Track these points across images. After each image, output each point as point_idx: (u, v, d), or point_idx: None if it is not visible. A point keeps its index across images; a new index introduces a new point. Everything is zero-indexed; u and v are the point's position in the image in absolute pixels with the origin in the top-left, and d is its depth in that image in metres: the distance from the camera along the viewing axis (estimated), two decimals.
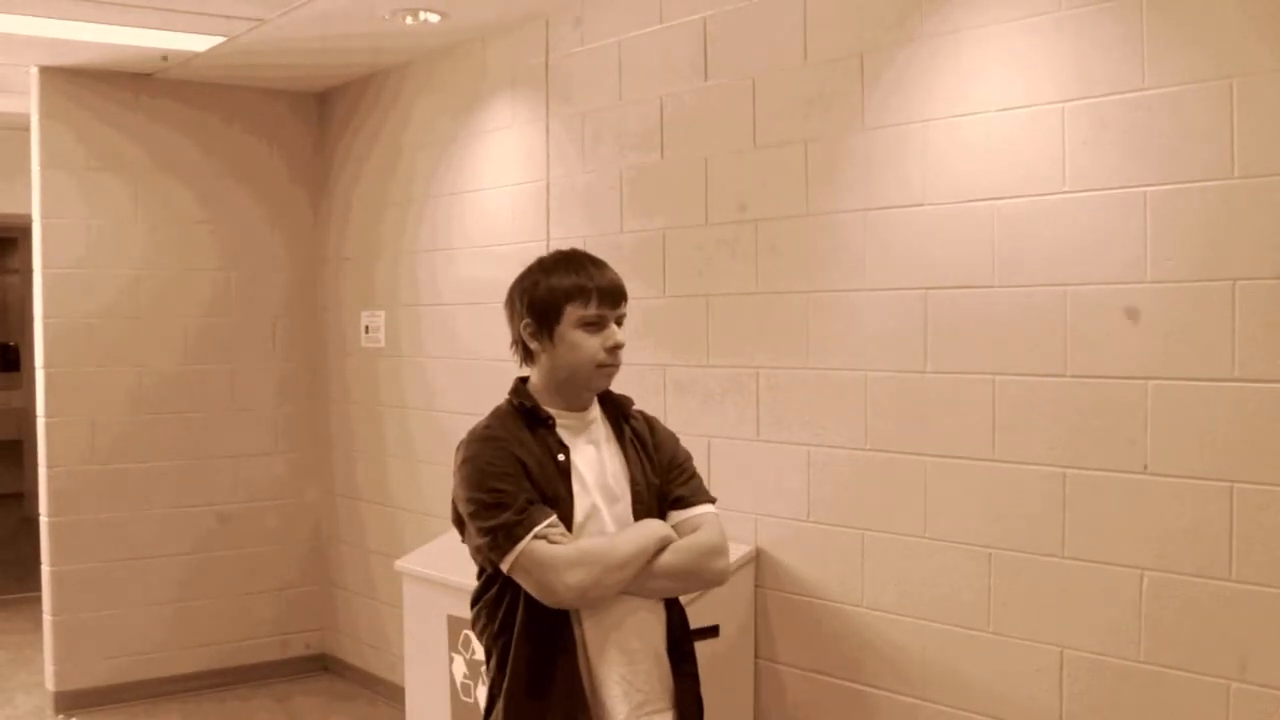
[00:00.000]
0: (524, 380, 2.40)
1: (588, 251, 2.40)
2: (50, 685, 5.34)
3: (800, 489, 3.47)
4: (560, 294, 2.30)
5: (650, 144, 3.95)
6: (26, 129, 5.41)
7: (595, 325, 2.30)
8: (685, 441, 2.54)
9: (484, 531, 2.21)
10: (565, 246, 2.51)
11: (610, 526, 2.31)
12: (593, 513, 2.31)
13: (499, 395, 2.42)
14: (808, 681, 3.48)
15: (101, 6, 4.23)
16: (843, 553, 3.36)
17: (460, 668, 3.84)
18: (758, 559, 3.59)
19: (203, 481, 5.60)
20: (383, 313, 5.43)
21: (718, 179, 3.71)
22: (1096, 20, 2.75)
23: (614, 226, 4.09)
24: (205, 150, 5.60)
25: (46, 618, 5.34)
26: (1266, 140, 2.48)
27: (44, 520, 5.33)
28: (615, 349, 2.32)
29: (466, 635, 3.79)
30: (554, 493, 2.26)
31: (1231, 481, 2.55)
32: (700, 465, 2.54)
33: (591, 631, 2.28)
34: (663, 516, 2.37)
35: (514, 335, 2.39)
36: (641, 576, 2.27)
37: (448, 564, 3.98)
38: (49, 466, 5.31)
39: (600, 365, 2.31)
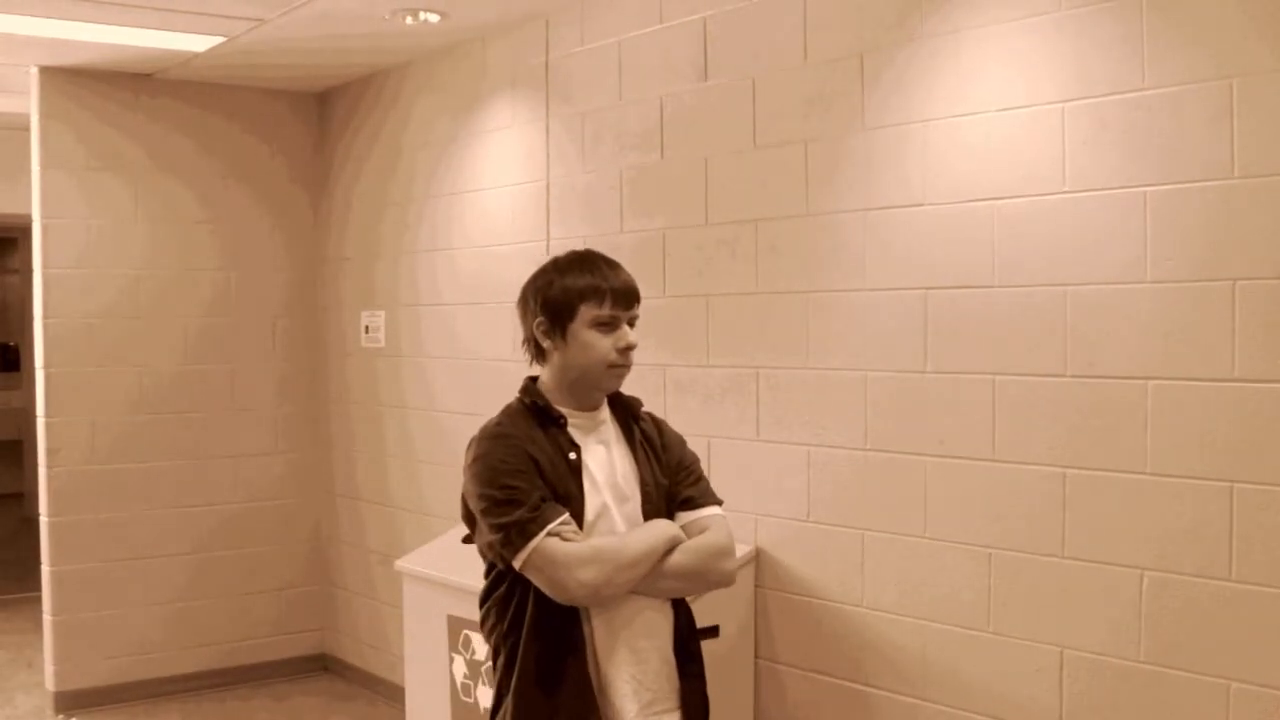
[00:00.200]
0: (534, 379, 2.41)
1: (601, 252, 2.40)
2: (50, 685, 5.34)
3: (800, 489, 3.47)
4: (575, 294, 2.31)
5: (650, 144, 3.95)
6: (26, 129, 5.41)
7: (608, 326, 2.32)
8: (685, 441, 2.54)
9: (496, 528, 2.22)
10: (567, 247, 2.51)
11: (620, 526, 2.33)
12: (603, 512, 2.32)
13: (499, 395, 2.43)
14: (808, 681, 3.48)
15: (101, 6, 4.23)
16: (843, 553, 3.36)
17: (460, 668, 3.84)
18: (758, 559, 3.59)
19: (203, 481, 5.60)
20: (383, 313, 5.43)
21: (718, 179, 3.71)
22: (1096, 20, 2.75)
23: (614, 226, 4.09)
24: (205, 150, 5.60)
25: (46, 618, 5.34)
26: (1266, 140, 2.48)
27: (44, 520, 5.33)
28: (627, 350, 2.34)
29: (466, 635, 3.79)
30: (565, 491, 2.27)
31: (1231, 481, 2.55)
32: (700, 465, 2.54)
33: (600, 630, 2.29)
34: (670, 517, 2.38)
35: (526, 333, 2.40)
36: (651, 576, 2.28)
37: (448, 564, 3.99)
38: (49, 466, 5.31)
39: (611, 366, 2.33)
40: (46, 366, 5.30)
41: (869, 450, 3.29)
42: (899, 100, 3.18)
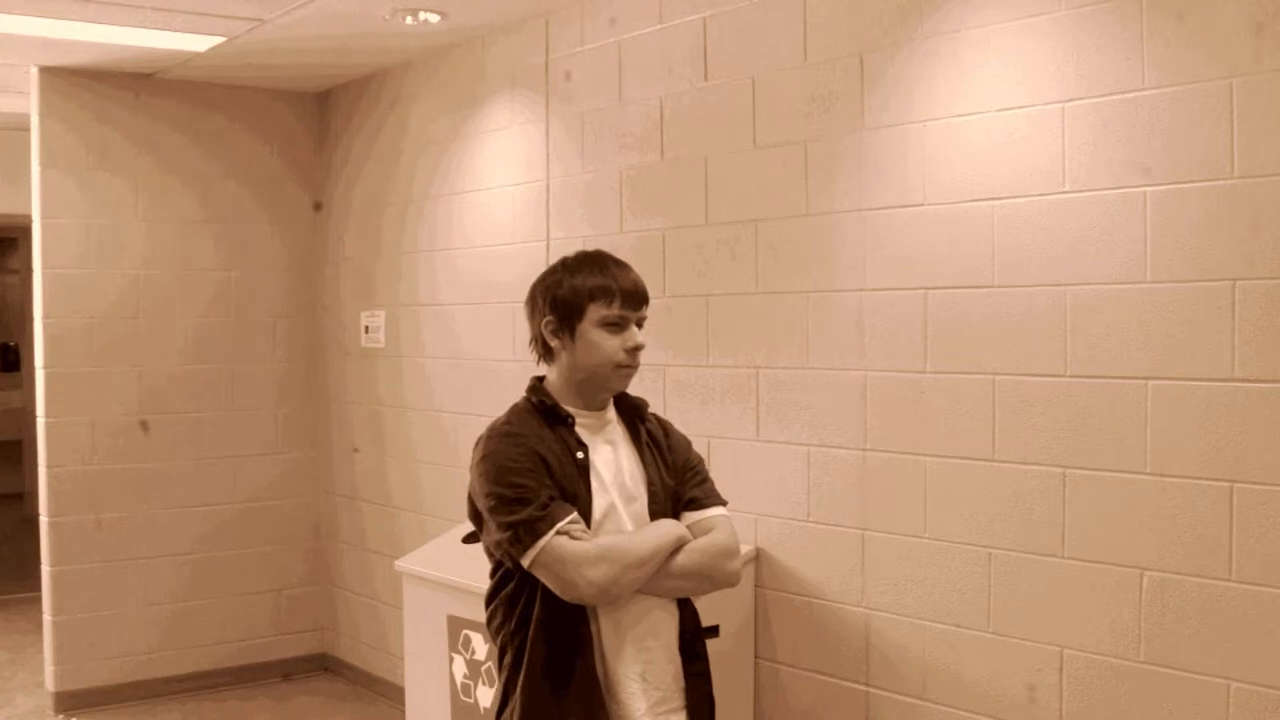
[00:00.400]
0: (541, 379, 2.41)
1: (610, 253, 2.41)
2: (50, 685, 5.34)
3: (800, 489, 3.47)
4: (584, 293, 2.32)
5: (650, 144, 3.95)
6: (26, 129, 5.41)
7: (616, 326, 2.33)
8: (691, 443, 2.55)
9: (505, 526, 2.22)
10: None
11: (627, 525, 2.33)
12: (610, 511, 2.33)
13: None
14: (808, 681, 3.48)
15: (101, 6, 4.23)
16: (843, 553, 3.36)
17: (460, 668, 3.84)
18: (758, 559, 3.59)
19: (203, 481, 5.60)
20: (383, 313, 5.43)
21: (718, 179, 3.71)
22: (1096, 20, 2.75)
23: (614, 226, 4.09)
24: (205, 150, 5.60)
25: (46, 618, 5.34)
26: (1266, 140, 2.48)
27: (44, 520, 5.33)
28: (635, 350, 2.35)
29: (466, 635, 3.80)
30: (573, 490, 2.28)
31: (1231, 481, 2.55)
32: None
33: (608, 629, 2.30)
34: (676, 517, 2.39)
35: (533, 332, 2.41)
36: (657, 576, 2.29)
37: (448, 564, 3.99)
38: (49, 466, 5.31)
39: (620, 366, 2.34)
40: (46, 366, 5.30)
41: (869, 450, 3.29)
42: (899, 100, 3.18)
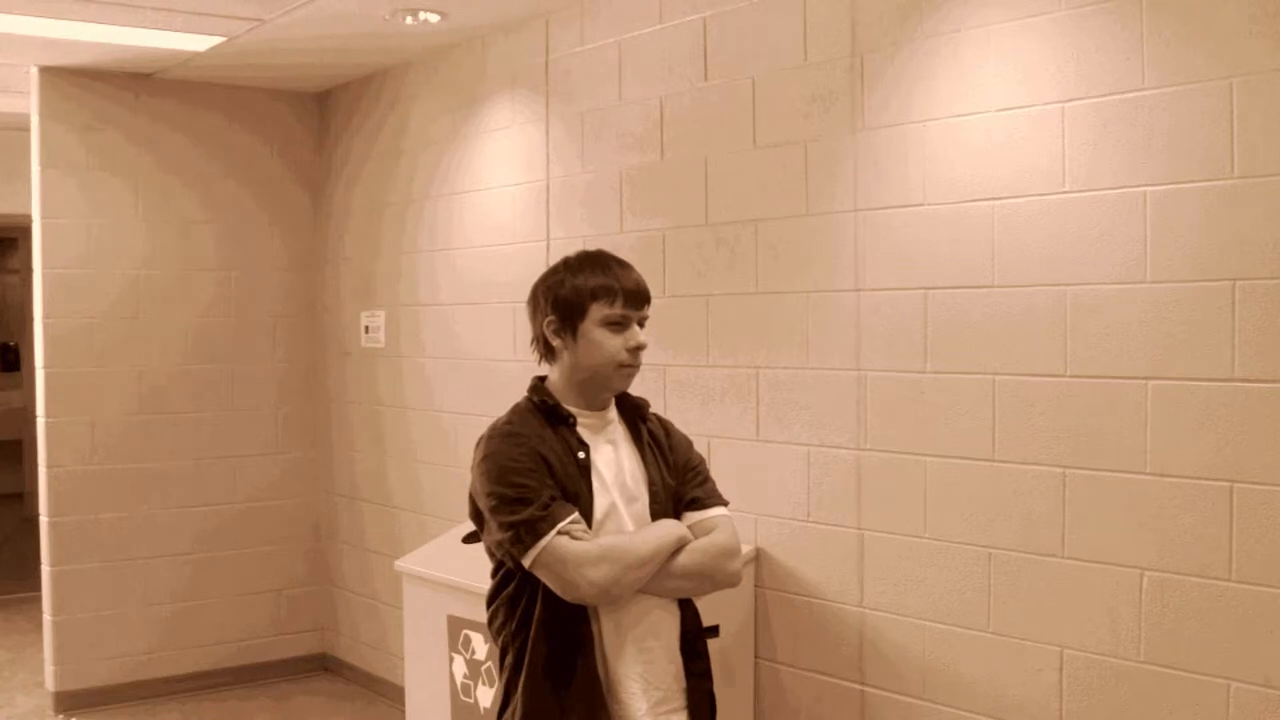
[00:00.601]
0: (542, 379, 2.41)
1: (612, 253, 2.41)
2: (50, 685, 5.34)
3: (800, 489, 3.47)
4: (586, 293, 2.32)
5: (650, 144, 3.95)
6: (26, 129, 5.41)
7: (619, 325, 2.33)
8: (692, 443, 2.55)
9: (506, 526, 2.22)
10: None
11: (629, 525, 2.34)
12: (611, 511, 2.33)
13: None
14: (808, 681, 3.48)
15: (101, 6, 4.23)
16: (842, 553, 3.36)
17: (460, 668, 3.84)
18: (758, 559, 3.60)
19: (203, 481, 5.60)
20: (383, 313, 5.43)
21: (718, 179, 3.71)
22: (1096, 20, 2.75)
23: (614, 226, 4.09)
24: (205, 150, 5.60)
25: (46, 618, 5.34)
26: (1266, 140, 2.48)
27: (44, 520, 5.33)
28: (637, 350, 2.35)
29: (466, 635, 3.80)
30: (574, 490, 2.28)
31: (1231, 481, 2.55)
32: None
33: (609, 629, 2.30)
34: (677, 517, 2.39)
35: (535, 332, 2.41)
36: (658, 576, 2.29)
37: (448, 564, 3.99)
38: (49, 466, 5.31)
39: (621, 365, 2.34)
40: (46, 366, 5.30)
41: (869, 450, 3.29)
42: (899, 100, 3.18)
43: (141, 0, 4.17)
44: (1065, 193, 2.82)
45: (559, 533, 2.20)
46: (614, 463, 2.37)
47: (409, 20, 4.44)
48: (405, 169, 5.25)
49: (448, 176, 4.98)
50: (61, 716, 5.26)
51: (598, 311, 2.32)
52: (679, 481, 2.43)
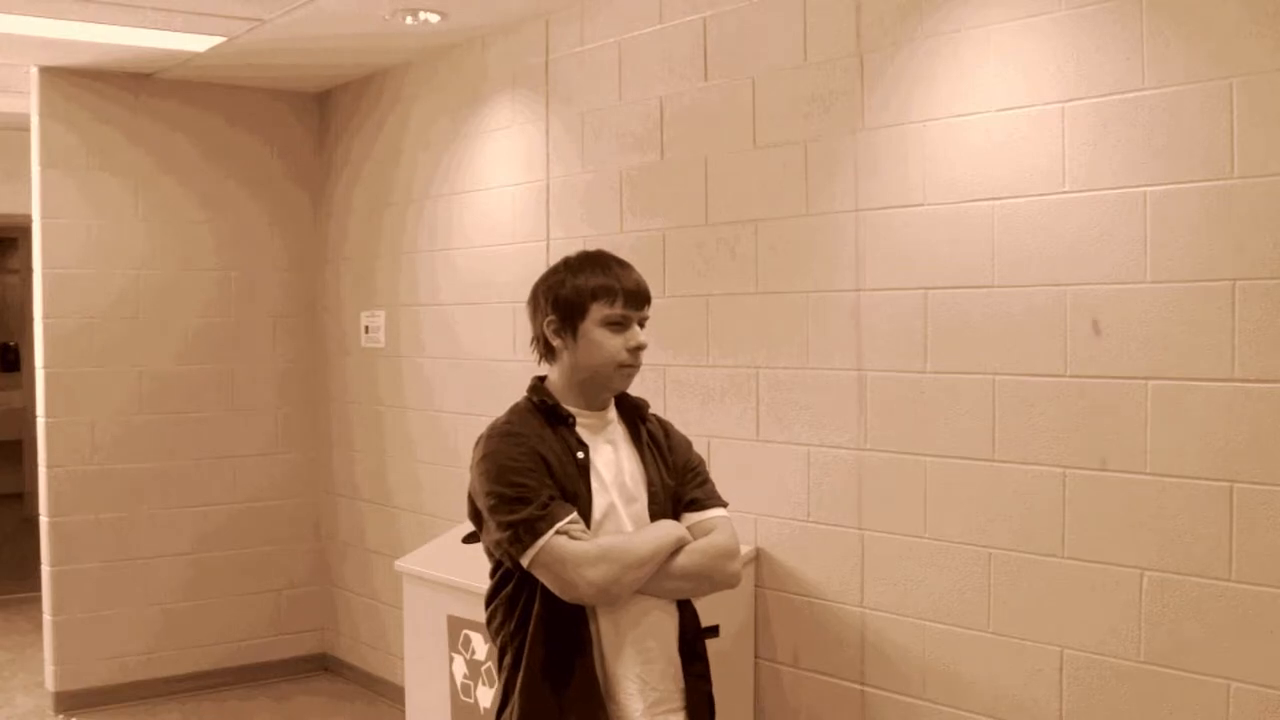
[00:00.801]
0: (542, 379, 2.41)
1: (612, 253, 2.41)
2: (50, 685, 5.34)
3: (800, 489, 3.47)
4: (586, 293, 2.32)
5: (650, 144, 3.95)
6: (26, 129, 5.41)
7: (619, 325, 2.33)
8: (691, 444, 2.55)
9: (504, 526, 2.22)
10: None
11: (627, 526, 2.33)
12: (610, 511, 2.32)
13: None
14: (808, 681, 3.48)
15: (101, 6, 4.23)
16: (843, 553, 3.36)
17: (460, 668, 3.84)
18: (758, 559, 3.59)
19: (203, 481, 5.60)
20: (383, 313, 5.43)
21: (718, 179, 3.71)
22: (1096, 20, 2.75)
23: (614, 226, 4.09)
24: (205, 150, 5.60)
25: (46, 618, 5.34)
26: (1266, 140, 2.48)
27: (44, 520, 5.33)
28: (637, 350, 2.35)
29: (466, 635, 3.80)
30: (573, 490, 2.28)
31: (1231, 481, 2.55)
32: None
33: (607, 630, 2.30)
34: (676, 518, 2.39)
35: (535, 332, 2.41)
36: (657, 577, 2.29)
37: (448, 564, 3.99)
38: (49, 466, 5.31)
39: (621, 365, 2.34)
40: (46, 366, 5.30)
41: (869, 450, 3.29)
42: (899, 100, 3.18)
43: (141, 0, 4.17)
44: (1065, 193, 2.82)
45: (558, 532, 2.20)
46: (613, 463, 2.37)
47: (409, 20, 4.44)
48: (405, 169, 5.25)
49: (448, 176, 4.98)
50: (61, 716, 5.26)
51: (598, 311, 2.32)
52: (678, 482, 2.43)
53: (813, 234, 3.42)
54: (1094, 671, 2.80)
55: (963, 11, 3.03)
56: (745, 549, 3.56)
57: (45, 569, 5.33)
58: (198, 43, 4.80)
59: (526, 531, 2.20)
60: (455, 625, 3.84)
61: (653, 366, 3.83)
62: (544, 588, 2.24)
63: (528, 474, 2.23)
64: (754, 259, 3.60)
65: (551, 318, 2.36)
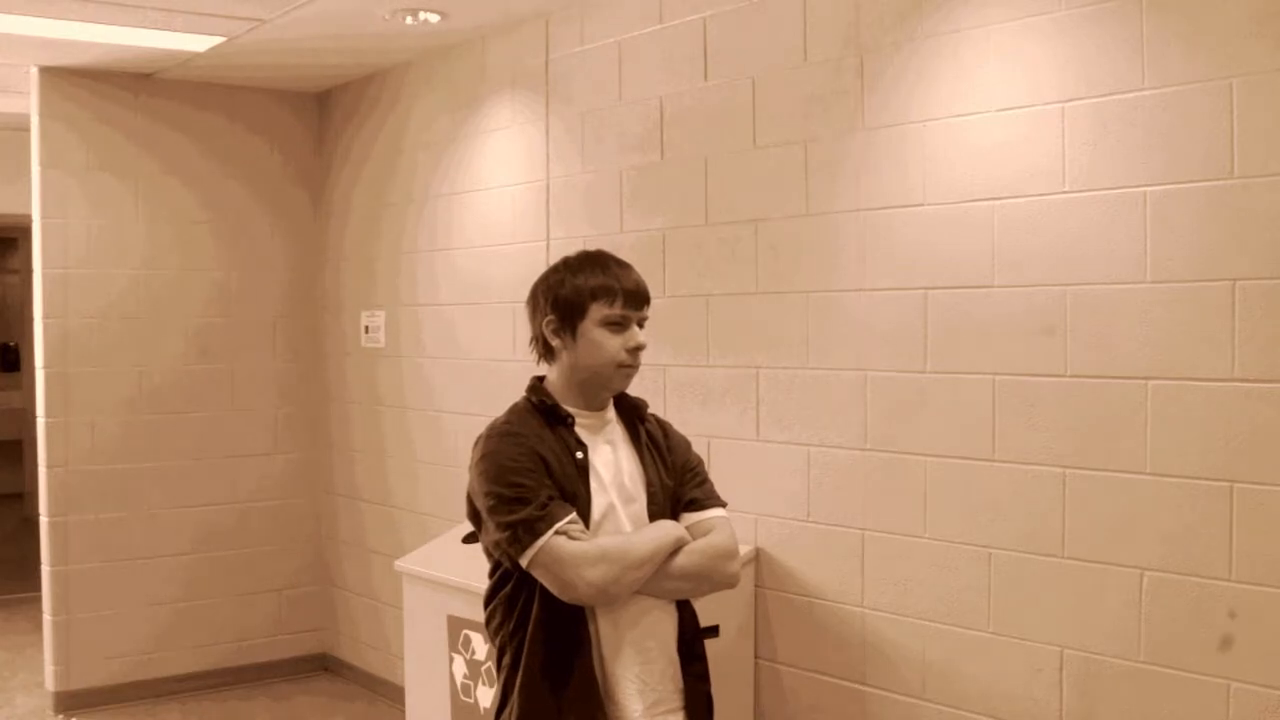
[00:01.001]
0: (541, 379, 2.41)
1: (612, 253, 2.41)
2: (50, 685, 5.34)
3: (800, 489, 3.47)
4: (586, 293, 2.32)
5: (650, 144, 3.95)
6: (26, 129, 5.41)
7: (618, 325, 2.33)
8: (690, 444, 2.55)
9: (503, 526, 2.22)
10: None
11: (626, 526, 2.33)
12: (609, 511, 2.32)
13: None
14: (808, 681, 3.48)
15: (101, 6, 4.23)
16: (843, 553, 3.36)
17: (460, 668, 3.84)
18: (758, 559, 3.59)
19: (203, 481, 5.60)
20: (383, 313, 5.43)
21: (718, 179, 3.71)
22: (1096, 20, 2.75)
23: (614, 226, 4.09)
24: (205, 150, 5.60)
25: (46, 618, 5.34)
26: (1266, 140, 2.48)
27: (44, 520, 5.33)
28: (637, 350, 2.35)
29: (466, 635, 3.80)
30: (572, 490, 2.28)
31: (1231, 481, 2.55)
32: None
33: (606, 630, 2.30)
34: (675, 518, 2.39)
35: (534, 332, 2.41)
36: (656, 577, 2.29)
37: (448, 564, 3.99)
38: (49, 466, 5.31)
39: (621, 365, 2.34)
40: (46, 366, 5.30)
41: (869, 450, 3.29)
42: (899, 100, 3.18)
43: (141, 0, 4.17)
44: (1065, 193, 2.82)
45: (557, 533, 2.20)
46: (612, 463, 2.37)
47: (409, 20, 4.45)
48: (405, 169, 5.25)
49: (448, 176, 4.98)
50: (61, 716, 5.26)
51: (597, 311, 2.32)
52: (677, 482, 2.43)
53: (813, 234, 3.42)
54: (1094, 671, 2.80)
55: (963, 11, 3.03)
56: (745, 549, 3.56)
57: (45, 569, 5.33)
58: (198, 43, 4.80)
59: (526, 532, 2.20)
60: (455, 625, 3.84)
61: (653, 366, 3.83)
62: (543, 588, 2.24)
63: (527, 474, 2.23)
64: (754, 259, 3.60)
65: (551, 318, 2.36)
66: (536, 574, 2.22)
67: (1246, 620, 2.53)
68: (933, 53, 3.10)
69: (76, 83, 5.29)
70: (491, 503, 2.24)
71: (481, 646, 3.74)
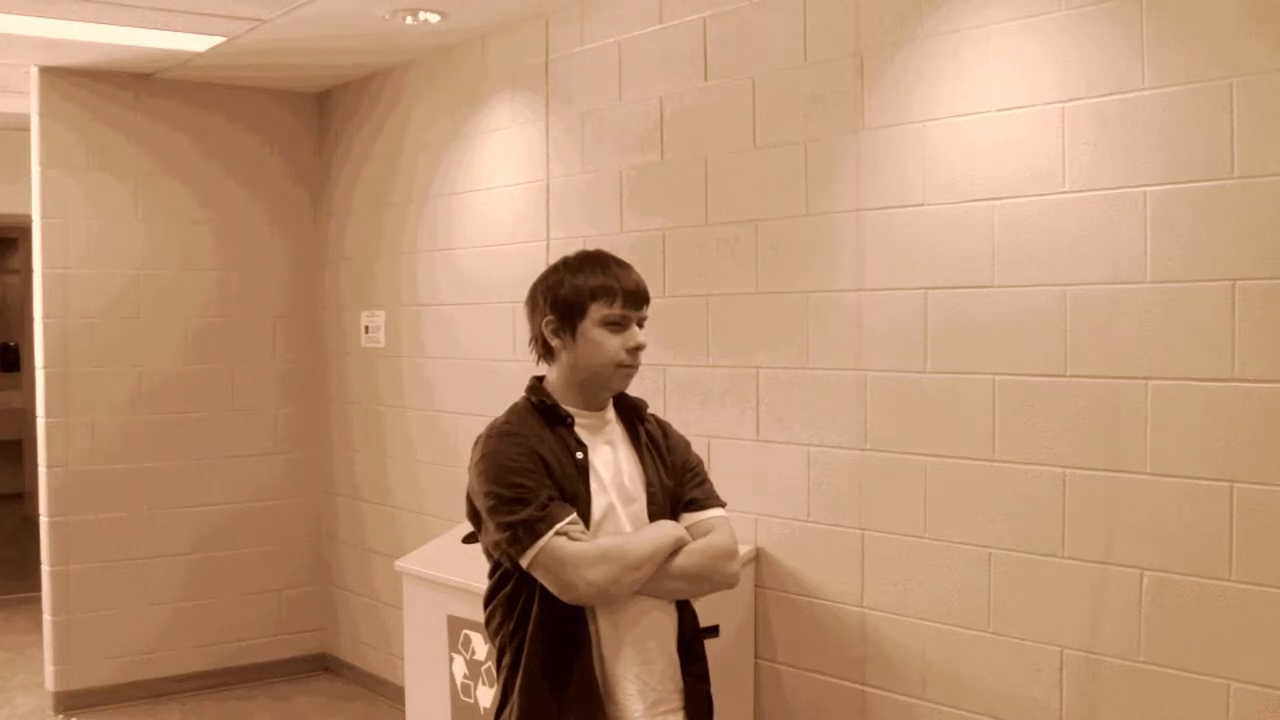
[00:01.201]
0: (540, 379, 2.41)
1: (611, 253, 2.41)
2: (50, 685, 5.34)
3: (800, 489, 3.47)
4: (585, 292, 2.32)
5: (650, 144, 3.95)
6: (26, 129, 5.41)
7: (618, 325, 2.33)
8: (690, 444, 2.55)
9: (504, 526, 2.22)
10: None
11: (626, 526, 2.33)
12: (609, 512, 2.32)
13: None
14: (808, 681, 3.48)
15: (101, 6, 4.23)
16: (843, 553, 3.36)
17: (460, 668, 3.84)
18: (758, 559, 3.59)
19: (203, 481, 5.60)
20: (383, 313, 5.44)
21: (718, 179, 3.71)
22: (1096, 20, 2.75)
23: (614, 226, 4.09)
24: (205, 150, 5.61)
25: (46, 618, 5.34)
26: (1266, 140, 2.48)
27: (44, 520, 5.33)
28: (636, 350, 2.35)
29: (466, 635, 3.80)
30: (572, 490, 2.28)
31: (1231, 481, 2.55)
32: None
33: (606, 630, 2.30)
34: (674, 519, 2.39)
35: (534, 332, 2.40)
36: (656, 577, 2.29)
37: (448, 564, 3.99)
38: (49, 466, 5.31)
39: (621, 365, 2.33)
40: (46, 366, 5.30)
41: (869, 450, 3.29)
42: (899, 100, 3.18)
43: (141, 0, 4.17)
44: (1065, 193, 2.82)
45: (557, 533, 2.19)
46: (612, 463, 2.37)
47: (409, 20, 4.45)
48: (405, 169, 5.25)
49: (448, 176, 4.98)
50: (61, 716, 5.26)
51: (597, 311, 2.32)
52: (677, 482, 2.43)
53: (813, 234, 3.42)
54: (1094, 671, 2.80)
55: (963, 11, 3.03)
56: (745, 549, 3.56)
57: (45, 569, 5.33)
58: (198, 43, 4.80)
59: (526, 532, 2.20)
60: (455, 625, 3.84)
61: (653, 366, 3.83)
62: (543, 588, 2.24)
63: (526, 474, 2.23)
64: (754, 259, 3.60)
65: (550, 318, 2.36)
66: (537, 574, 2.22)
67: (1247, 620, 2.53)
68: (933, 53, 3.10)
69: (76, 83, 5.29)
70: (491, 503, 2.24)
71: (481, 646, 3.74)
